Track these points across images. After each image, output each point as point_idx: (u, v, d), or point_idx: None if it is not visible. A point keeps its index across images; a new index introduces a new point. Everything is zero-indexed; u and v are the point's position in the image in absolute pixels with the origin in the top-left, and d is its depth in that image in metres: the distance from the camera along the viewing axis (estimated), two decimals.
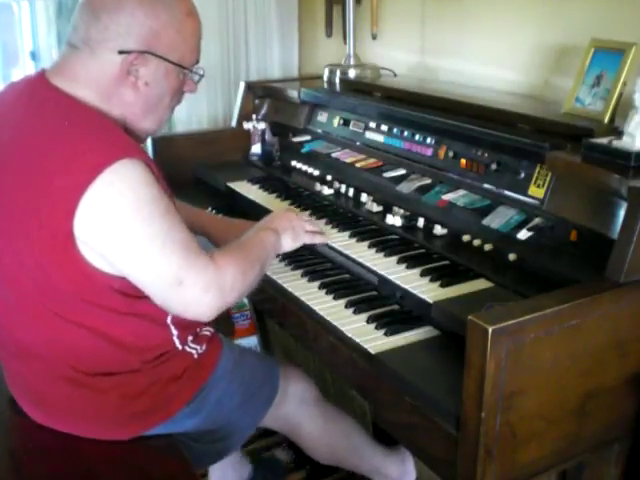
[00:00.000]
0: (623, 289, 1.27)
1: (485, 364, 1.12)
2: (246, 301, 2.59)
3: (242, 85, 2.60)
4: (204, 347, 1.56)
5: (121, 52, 1.38)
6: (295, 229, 1.67)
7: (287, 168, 2.32)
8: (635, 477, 1.43)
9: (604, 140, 1.47)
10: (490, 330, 1.11)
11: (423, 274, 1.56)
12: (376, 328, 1.47)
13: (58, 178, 1.29)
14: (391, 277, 1.58)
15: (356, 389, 1.57)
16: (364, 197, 1.97)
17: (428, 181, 1.90)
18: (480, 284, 1.50)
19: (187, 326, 1.52)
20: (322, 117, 2.34)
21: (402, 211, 1.84)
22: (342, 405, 2.06)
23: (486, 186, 1.74)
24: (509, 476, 1.23)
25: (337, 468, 2.01)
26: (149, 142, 2.34)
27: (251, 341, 2.71)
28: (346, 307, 1.56)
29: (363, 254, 1.70)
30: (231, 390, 1.61)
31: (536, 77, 2.09)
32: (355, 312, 1.54)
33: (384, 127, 2.10)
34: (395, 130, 2.06)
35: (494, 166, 1.72)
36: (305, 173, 2.23)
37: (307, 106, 2.39)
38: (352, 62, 2.51)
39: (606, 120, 1.66)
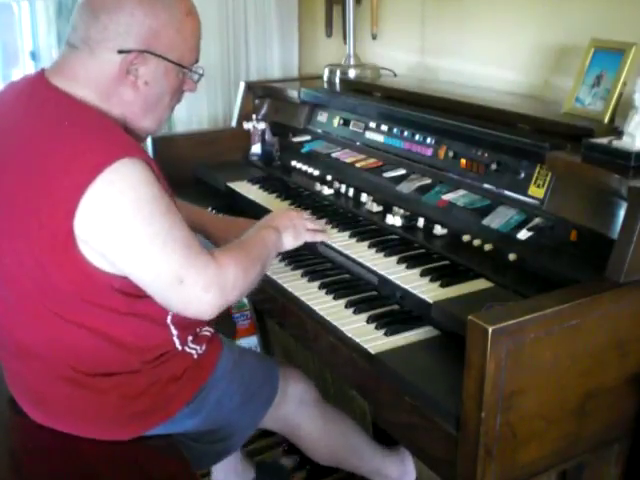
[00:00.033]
0: (623, 289, 1.27)
1: (485, 364, 1.12)
2: (246, 301, 2.59)
3: (242, 85, 2.60)
4: (204, 347, 1.56)
5: (121, 52, 1.38)
6: (296, 227, 1.67)
7: (287, 168, 2.32)
8: (635, 477, 1.43)
9: (604, 140, 1.47)
10: (490, 330, 1.11)
11: (423, 274, 1.56)
12: (376, 328, 1.47)
13: (58, 178, 1.29)
14: (391, 277, 1.58)
15: (356, 389, 1.57)
16: (364, 197, 1.97)
17: (428, 181, 1.90)
18: (480, 284, 1.50)
19: (187, 326, 1.52)
20: (322, 117, 2.34)
21: (402, 211, 1.84)
22: (342, 405, 2.06)
23: (486, 186, 1.74)
24: (509, 476, 1.23)
25: (337, 469, 2.00)
26: (149, 142, 2.34)
27: (251, 341, 2.71)
28: (346, 307, 1.56)
29: (363, 254, 1.69)
30: (231, 390, 1.61)
31: (536, 77, 2.09)
32: (355, 312, 1.54)
33: (384, 127, 2.10)
34: (395, 130, 2.06)
35: (494, 166, 1.72)
36: (305, 173, 2.23)
37: (307, 106, 2.39)
38: (352, 62, 2.51)
39: (606, 120, 1.66)
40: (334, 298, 1.60)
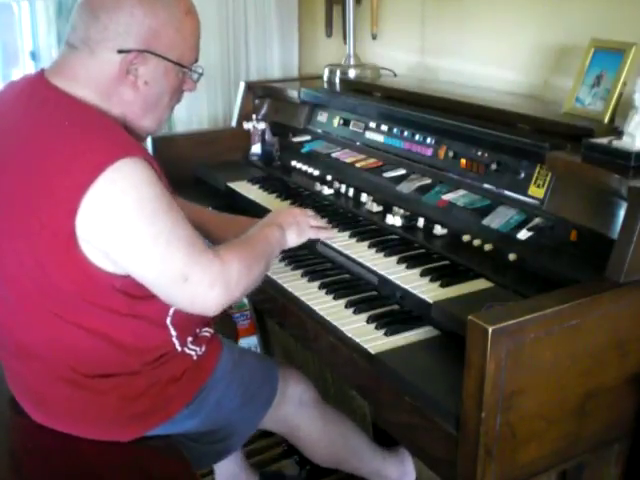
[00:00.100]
0: (623, 289, 1.27)
1: (485, 364, 1.12)
2: (246, 301, 2.59)
3: (242, 85, 2.60)
4: (203, 348, 1.56)
5: (120, 51, 1.38)
6: (300, 225, 1.68)
7: (287, 168, 2.32)
8: (635, 477, 1.43)
9: (604, 140, 1.47)
10: (490, 330, 1.11)
11: (423, 274, 1.56)
12: (376, 328, 1.47)
13: (59, 178, 1.29)
14: (391, 277, 1.58)
15: (356, 389, 1.57)
16: (364, 197, 1.97)
17: (428, 181, 1.90)
18: (480, 284, 1.50)
19: (186, 327, 1.52)
20: (322, 117, 2.34)
21: (402, 211, 1.84)
22: (342, 406, 2.06)
23: (486, 186, 1.74)
24: (509, 476, 1.23)
25: (336, 470, 2.00)
26: (149, 142, 2.34)
27: (251, 341, 2.71)
28: (346, 307, 1.56)
29: (363, 254, 1.69)
30: (230, 391, 1.61)
31: (536, 77, 2.09)
32: (355, 312, 1.54)
33: (384, 127, 2.10)
34: (395, 130, 2.06)
35: (494, 166, 1.72)
36: (305, 173, 2.23)
37: (307, 106, 2.39)
38: (352, 62, 2.50)
39: (606, 120, 1.65)
40: (334, 298, 1.60)
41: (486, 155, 1.76)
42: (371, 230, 1.82)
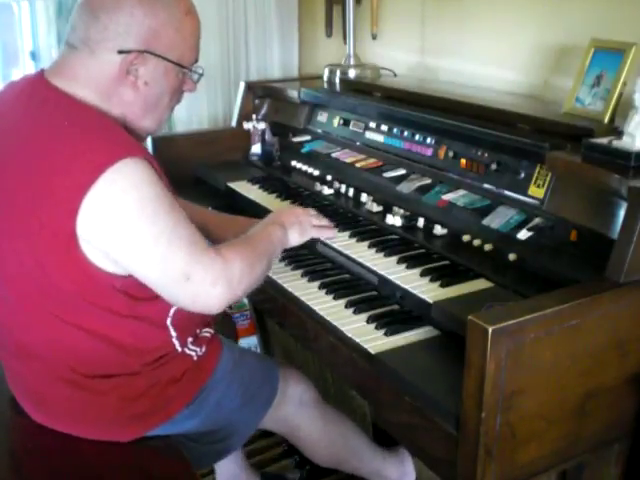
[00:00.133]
0: (623, 289, 1.27)
1: (485, 364, 1.12)
2: (246, 301, 2.59)
3: (242, 85, 2.60)
4: (204, 349, 1.56)
5: (120, 52, 1.38)
6: (302, 224, 1.68)
7: (287, 168, 2.32)
8: (635, 477, 1.43)
9: (604, 140, 1.47)
10: (490, 330, 1.10)
11: (423, 274, 1.56)
12: (376, 328, 1.47)
13: (59, 178, 1.29)
14: (391, 277, 1.58)
15: (356, 389, 1.57)
16: (364, 197, 1.97)
17: (428, 181, 1.90)
18: (480, 284, 1.50)
19: (187, 328, 1.52)
20: (322, 117, 2.34)
21: (402, 211, 1.84)
22: (342, 406, 2.06)
23: (486, 186, 1.74)
24: (509, 476, 1.23)
25: (336, 470, 2.00)
26: (149, 142, 2.34)
27: (251, 341, 2.71)
28: (346, 307, 1.56)
29: (363, 254, 1.69)
30: (231, 391, 1.61)
31: (536, 77, 2.09)
32: (355, 312, 1.54)
33: (384, 127, 2.10)
34: (395, 130, 2.06)
35: (494, 166, 1.72)
36: (305, 173, 2.23)
37: (307, 106, 2.39)
38: (352, 62, 2.50)
39: (606, 120, 1.65)
40: (334, 298, 1.60)
41: (486, 155, 1.76)
42: (371, 230, 1.82)
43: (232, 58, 2.97)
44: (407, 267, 1.60)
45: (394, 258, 1.65)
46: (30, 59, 2.75)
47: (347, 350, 1.44)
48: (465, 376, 1.16)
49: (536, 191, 1.60)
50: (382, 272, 1.60)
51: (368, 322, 1.49)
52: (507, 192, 1.68)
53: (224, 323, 2.53)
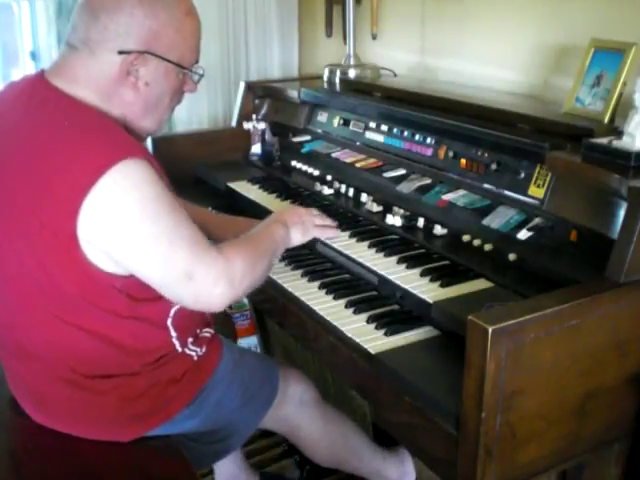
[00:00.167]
0: (623, 289, 1.27)
1: (485, 364, 1.12)
2: (246, 301, 2.58)
3: (242, 85, 2.60)
4: (204, 349, 1.56)
5: (121, 52, 1.38)
6: (305, 224, 1.68)
7: (287, 168, 2.32)
8: (635, 477, 1.43)
9: (604, 140, 1.47)
10: (490, 330, 1.11)
11: (423, 274, 1.56)
12: (376, 328, 1.47)
13: (59, 178, 1.29)
14: (391, 277, 1.58)
15: (356, 389, 1.57)
16: (364, 197, 1.97)
17: (428, 181, 1.90)
18: (480, 284, 1.50)
19: (187, 328, 1.52)
20: (322, 117, 2.34)
21: (402, 211, 1.84)
22: (342, 405, 2.06)
23: (486, 186, 1.74)
24: (509, 476, 1.23)
25: (336, 470, 2.00)
26: (149, 142, 2.34)
27: (251, 341, 2.71)
28: (346, 307, 1.56)
29: (363, 254, 1.69)
30: (231, 391, 1.61)
31: (536, 77, 2.09)
32: (355, 312, 1.54)
33: (384, 127, 2.10)
34: (395, 130, 2.06)
35: (494, 166, 1.72)
36: (305, 173, 2.23)
37: (307, 106, 2.39)
38: (352, 62, 2.50)
39: (606, 120, 1.66)
40: (334, 298, 1.60)
41: (486, 155, 1.76)
42: (371, 230, 1.82)
43: (232, 58, 2.97)
44: (407, 267, 1.60)
45: (394, 258, 1.65)
46: (30, 59, 2.75)
47: (347, 350, 1.44)
48: (465, 376, 1.16)
49: (536, 191, 1.60)
50: (382, 272, 1.60)
51: (368, 322, 1.49)
52: (507, 192, 1.68)
53: (224, 323, 2.53)
